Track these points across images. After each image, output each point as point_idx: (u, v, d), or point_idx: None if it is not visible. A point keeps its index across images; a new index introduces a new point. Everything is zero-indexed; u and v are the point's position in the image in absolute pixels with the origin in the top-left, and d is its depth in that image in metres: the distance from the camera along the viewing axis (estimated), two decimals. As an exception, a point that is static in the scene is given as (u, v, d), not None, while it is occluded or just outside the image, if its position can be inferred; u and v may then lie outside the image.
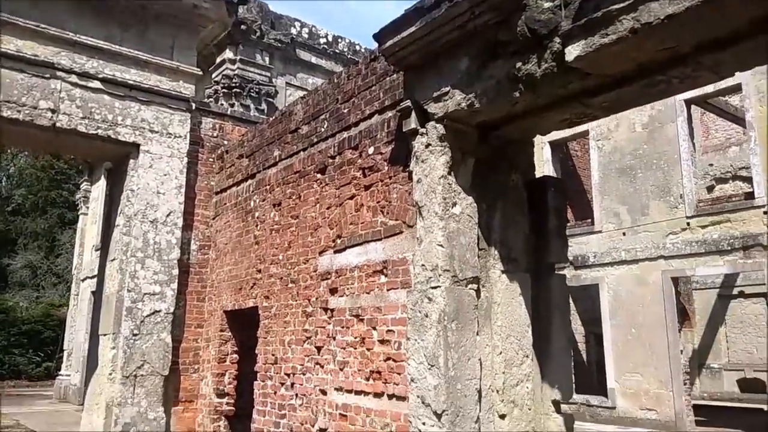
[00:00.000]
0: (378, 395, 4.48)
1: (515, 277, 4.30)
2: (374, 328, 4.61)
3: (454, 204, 4.10)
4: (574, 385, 15.17)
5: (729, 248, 12.59)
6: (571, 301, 16.09)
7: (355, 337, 4.80)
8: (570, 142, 17.81)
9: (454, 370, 3.79)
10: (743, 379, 19.72)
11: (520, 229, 4.46)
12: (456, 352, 3.83)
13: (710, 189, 20.59)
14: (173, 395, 6.91)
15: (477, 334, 3.98)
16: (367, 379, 4.60)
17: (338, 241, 5.18)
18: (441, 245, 3.98)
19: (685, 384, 13.11)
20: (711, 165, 21.50)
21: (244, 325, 6.72)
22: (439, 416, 3.71)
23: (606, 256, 14.73)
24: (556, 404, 4.28)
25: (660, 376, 13.28)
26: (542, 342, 4.33)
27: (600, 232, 15.02)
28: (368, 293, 4.74)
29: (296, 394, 5.44)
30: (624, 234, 14.56)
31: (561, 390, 4.29)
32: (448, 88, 4.00)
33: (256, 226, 6.53)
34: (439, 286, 3.92)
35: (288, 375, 5.61)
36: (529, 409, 4.11)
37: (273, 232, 6.18)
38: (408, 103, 4.28)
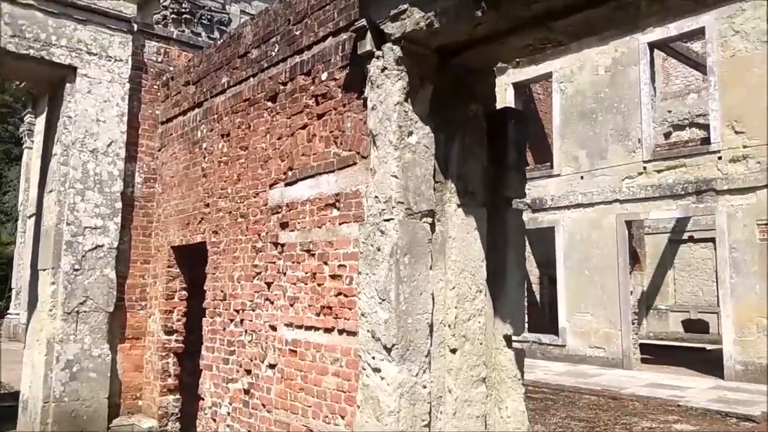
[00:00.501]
0: (328, 330, 4.35)
1: (471, 212, 4.15)
2: (326, 263, 4.44)
3: (410, 133, 3.88)
4: (527, 324, 15.59)
5: (683, 192, 12.83)
6: (527, 243, 16.33)
7: (306, 273, 4.63)
8: (533, 84, 17.64)
9: (405, 305, 3.67)
10: (688, 320, 20.64)
11: (479, 162, 4.29)
12: (408, 287, 3.70)
13: (667, 136, 20.87)
14: (119, 332, 6.68)
15: (430, 268, 3.85)
16: (318, 315, 4.46)
17: (289, 173, 4.92)
18: (395, 176, 3.77)
19: (633, 324, 13.57)
20: (669, 112, 21.73)
21: (192, 261, 6.47)
22: (389, 350, 3.61)
23: (563, 200, 14.87)
24: (508, 339, 4.24)
25: (610, 316, 13.71)
26: (496, 277, 4.24)
27: (558, 175, 15.10)
28: (320, 227, 4.55)
29: (245, 331, 5.29)
30: (582, 178, 14.67)
31: (513, 325, 4.24)
32: (406, 6, 3.70)
33: (204, 157, 6.19)
34: (393, 219, 3.74)
35: (237, 311, 5.44)
36: (481, 344, 4.05)
37: (221, 164, 5.87)
38: (363, 22, 3.97)
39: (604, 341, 13.76)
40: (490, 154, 4.37)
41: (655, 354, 14.78)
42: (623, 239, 13.76)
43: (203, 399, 5.83)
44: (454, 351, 3.92)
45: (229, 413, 5.43)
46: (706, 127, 18.46)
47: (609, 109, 14.34)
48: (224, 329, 5.59)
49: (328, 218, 4.47)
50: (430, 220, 3.91)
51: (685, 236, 21.46)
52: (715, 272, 20.63)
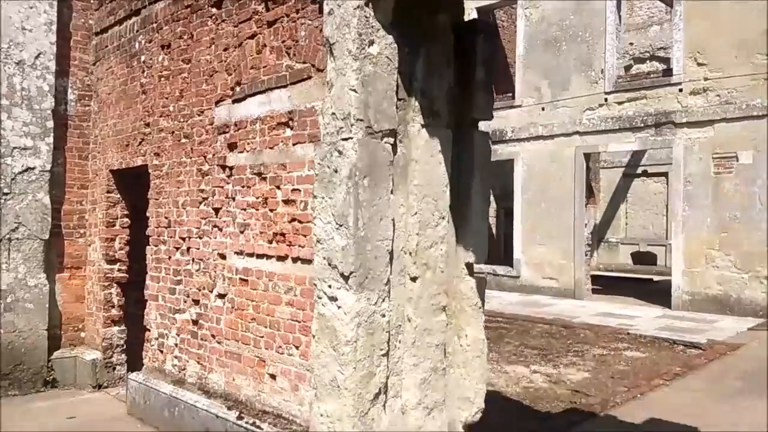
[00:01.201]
0: (281, 258, 4.08)
1: (436, 133, 3.85)
2: (278, 187, 4.12)
3: (372, 42, 3.50)
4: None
5: (642, 125, 12.81)
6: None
7: (257, 198, 4.30)
8: (497, 10, 17.08)
9: (364, 230, 3.40)
10: (637, 252, 21.29)
11: (445, 79, 3.95)
12: (367, 211, 3.42)
13: (628, 68, 20.77)
14: (57, 261, 6.26)
15: (391, 192, 3.57)
16: (270, 242, 4.17)
17: (237, 89, 4.49)
18: (354, 90, 3.42)
19: (585, 255, 13.82)
20: (631, 44, 21.57)
21: (133, 185, 6.03)
22: (346, 278, 3.37)
23: (523, 132, 14.71)
24: (470, 267, 4.06)
25: (564, 248, 13.90)
26: (459, 203, 4.00)
27: (520, 106, 14.87)
28: (272, 148, 4.18)
29: (193, 259, 4.97)
30: (543, 109, 14.49)
31: (475, 253, 4.05)
32: None
33: (143, 72, 5.64)
34: (351, 138, 3.41)
35: (183, 239, 5.09)
36: (442, 272, 3.85)
37: (162, 79, 5.35)
38: None
39: (557, 272, 14.02)
40: (456, 72, 4.04)
41: (605, 285, 15.20)
42: (581, 172, 13.79)
43: (149, 330, 5.56)
44: (414, 279, 3.72)
45: (176, 344, 5.18)
46: (666, 61, 18.42)
47: (573, 38, 14.01)
48: (170, 258, 5.25)
49: (281, 138, 4.10)
50: (391, 140, 3.60)
51: (639, 170, 21.82)
52: (666, 206, 21.21)
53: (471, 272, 4.06)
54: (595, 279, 14.91)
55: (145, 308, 5.58)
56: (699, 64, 12.07)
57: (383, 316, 3.50)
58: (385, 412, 3.56)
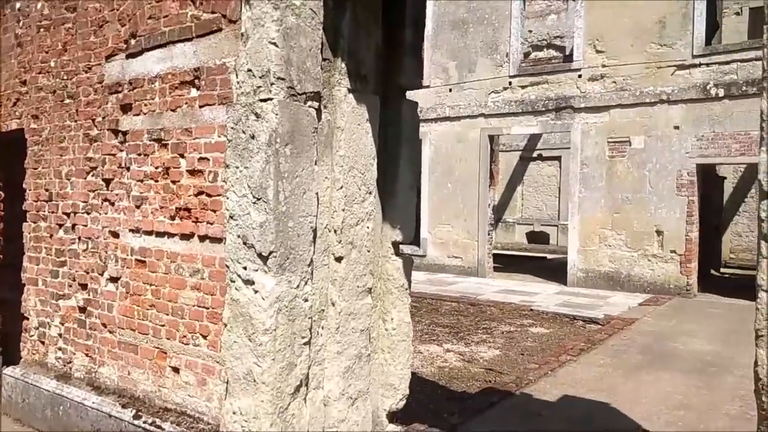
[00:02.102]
0: (186, 237, 3.61)
1: (363, 99, 3.53)
2: (182, 156, 3.63)
3: (294, -8, 3.10)
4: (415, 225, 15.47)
5: (543, 109, 13.16)
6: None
7: (157, 167, 3.78)
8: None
9: (285, 205, 3.03)
10: (532, 231, 22.21)
11: (373, 40, 3.63)
12: (289, 184, 3.05)
13: (527, 55, 21.39)
14: None
15: (315, 163, 3.22)
16: (173, 218, 3.68)
17: (132, 41, 3.91)
18: (275, 44, 3.01)
19: (488, 235, 14.12)
20: (530, 31, 22.21)
21: (7, 153, 5.21)
22: (265, 259, 2.99)
23: (431, 112, 14.70)
24: (396, 246, 3.81)
25: (468, 227, 14.11)
26: (387, 177, 3.73)
27: (428, 87, 14.79)
28: (174, 111, 3.68)
29: (79, 238, 4.35)
30: (450, 90, 14.53)
31: (403, 231, 3.80)
32: None
33: (18, 21, 4.84)
34: (271, 99, 3.01)
35: (67, 215, 4.44)
36: (368, 252, 3.57)
37: (41, 30, 4.60)
38: None
39: (461, 251, 14.22)
40: (384, 33, 3.73)
41: (503, 262, 15.65)
42: (486, 153, 14.01)
43: (28, 319, 4.86)
44: (339, 259, 3.40)
45: (60, 335, 4.54)
46: (562, 49, 19.14)
47: (480, 21, 14.12)
48: (51, 236, 4.58)
49: (185, 99, 3.61)
50: (316, 104, 3.23)
51: (535, 154, 22.70)
52: (558, 189, 22.26)
53: (398, 252, 3.81)
54: (494, 257, 15.30)
55: (22, 294, 4.86)
56: (598, 51, 12.54)
57: (306, 300, 3.16)
58: (306, 405, 3.24)
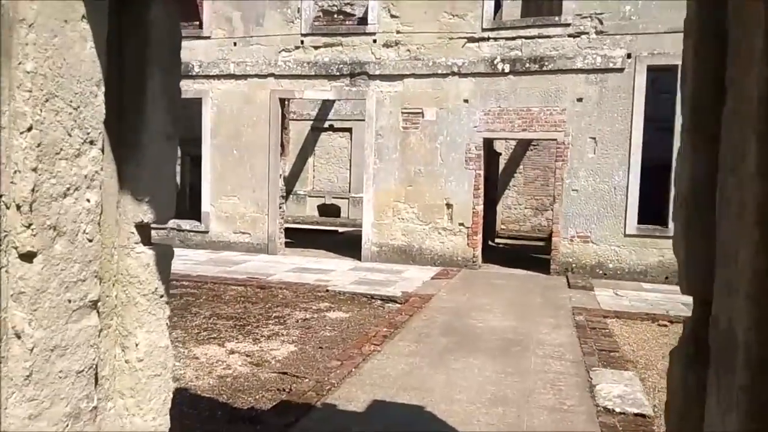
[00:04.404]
0: None
1: (78, -15, 2.08)
2: None
3: None
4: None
5: (338, 73, 12.30)
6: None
7: None
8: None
9: None
10: (323, 204, 21.57)
11: None
12: None
13: (317, 19, 20.42)
14: None
15: (-29, 83, 1.73)
16: None
17: None
18: None
19: (280, 208, 12.97)
20: (322, -6, 21.27)
21: None
22: None
23: (213, 68, 12.94)
24: (144, 230, 2.44)
25: (257, 199, 12.80)
26: (126, 120, 2.33)
27: (209, 38, 12.98)
28: None
29: None
30: (235, 44, 12.90)
31: (155, 206, 2.44)
32: None
33: None
34: None
35: None
36: (90, 240, 2.15)
37: None
38: None
39: (250, 226, 12.86)
40: None
41: (295, 238, 14.69)
42: (276, 118, 12.74)
43: None
44: (29, 257, 1.95)
45: None
46: (351, 15, 18.53)
47: (269, -32, 12.67)
48: None
49: None
50: (-32, -29, 1.72)
51: (326, 125, 22.02)
52: (350, 160, 21.92)
53: (146, 239, 2.45)
54: (286, 232, 14.24)
55: None
56: (392, 16, 11.99)
57: (-49, 336, 1.68)
58: None
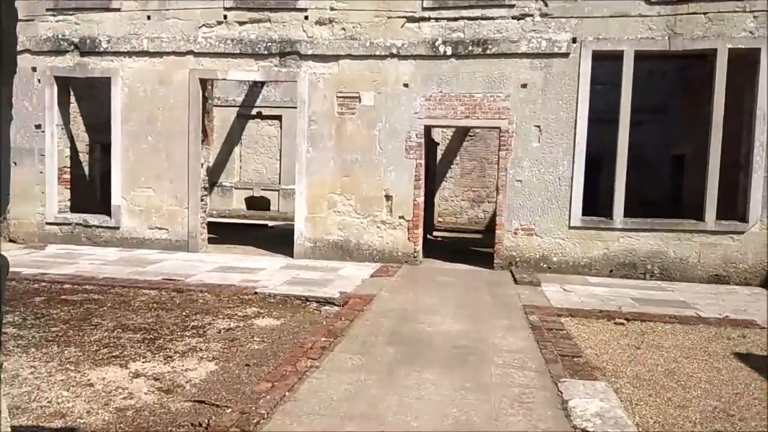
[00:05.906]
0: None
1: None
2: None
3: None
4: (68, 202, 11.98)
5: (266, 52, 11.21)
6: (73, 98, 12.40)
7: None
8: None
9: None
10: (251, 197, 20.30)
11: None
12: None
13: None
14: None
15: None
16: None
17: None
18: None
19: (202, 201, 11.76)
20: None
21: None
22: None
23: (124, 44, 11.52)
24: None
25: (176, 191, 11.54)
26: None
27: (118, 10, 11.55)
28: None
29: None
30: (149, 18, 11.53)
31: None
32: None
33: None
34: None
35: None
36: None
37: None
38: None
39: (167, 221, 11.59)
40: None
41: (220, 233, 13.51)
42: (197, 100, 11.51)
43: None
44: None
45: None
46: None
47: (188, -65, 11.36)
48: None
49: None
50: None
51: (254, 112, 20.72)
52: (280, 150, 20.73)
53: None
54: (209, 227, 13.03)
55: None
56: (326, -9, 11.03)
57: None
58: None
